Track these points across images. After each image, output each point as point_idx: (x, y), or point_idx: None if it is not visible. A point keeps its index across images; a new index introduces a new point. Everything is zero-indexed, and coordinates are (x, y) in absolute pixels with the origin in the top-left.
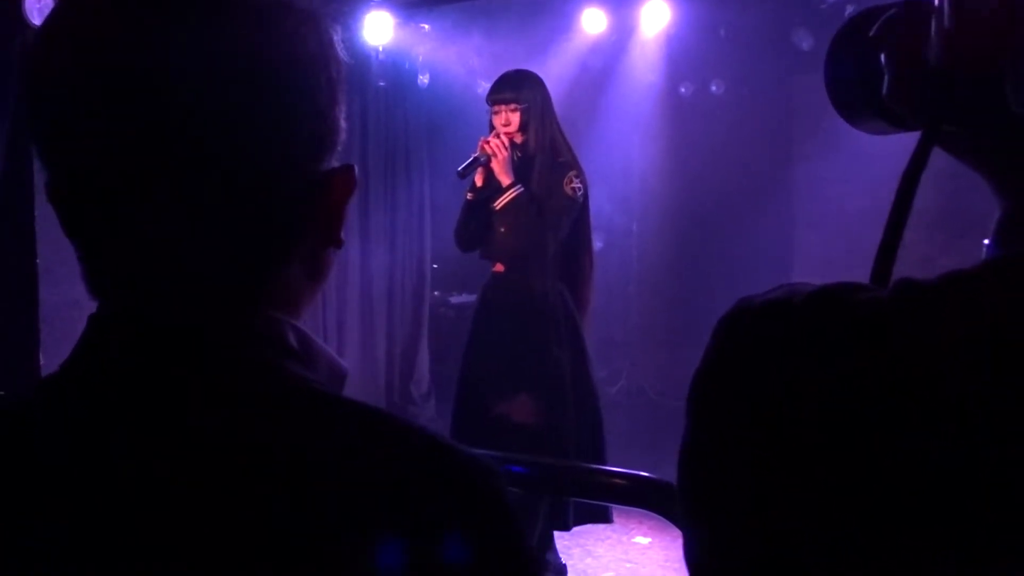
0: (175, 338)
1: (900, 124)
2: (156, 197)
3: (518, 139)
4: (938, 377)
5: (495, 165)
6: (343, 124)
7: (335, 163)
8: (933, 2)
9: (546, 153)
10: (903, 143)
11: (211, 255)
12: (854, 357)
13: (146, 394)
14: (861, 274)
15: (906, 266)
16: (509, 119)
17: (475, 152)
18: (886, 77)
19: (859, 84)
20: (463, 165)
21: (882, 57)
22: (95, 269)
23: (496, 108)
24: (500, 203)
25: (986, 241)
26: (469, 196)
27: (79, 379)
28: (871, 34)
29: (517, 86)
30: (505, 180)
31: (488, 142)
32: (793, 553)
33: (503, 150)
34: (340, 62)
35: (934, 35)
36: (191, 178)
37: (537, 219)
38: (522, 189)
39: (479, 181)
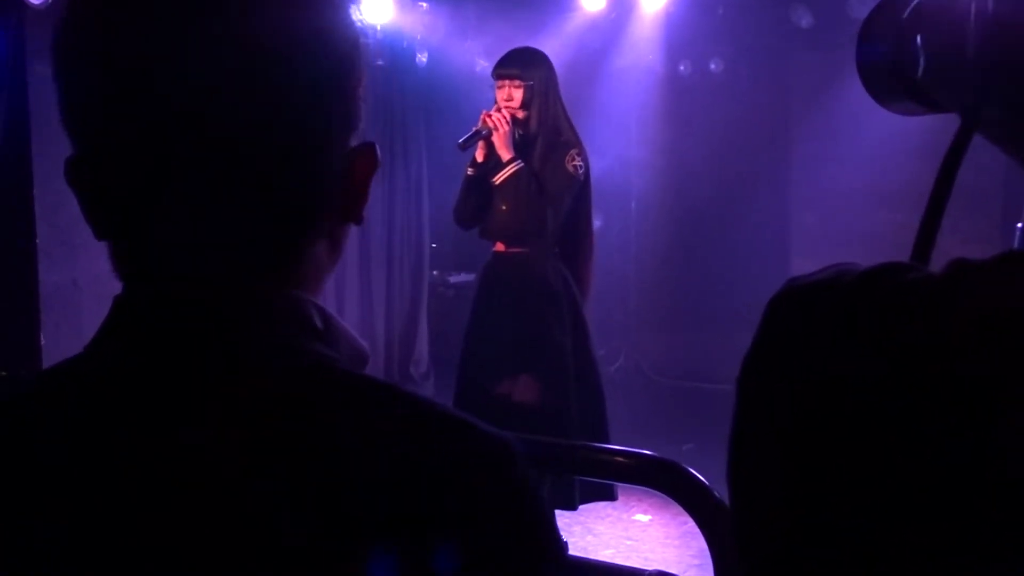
0: (200, 320)
1: (933, 106)
2: (180, 178)
3: (520, 115)
4: (968, 362)
5: (496, 139)
6: (362, 103)
7: (355, 141)
8: None
9: (548, 132)
10: (903, 124)
11: (235, 236)
12: (911, 334)
13: (170, 381)
14: (859, 252)
15: (905, 244)
16: (512, 94)
17: (477, 125)
18: (921, 60)
19: (892, 66)
20: (464, 137)
21: (917, 40)
22: (121, 250)
23: (500, 83)
24: (499, 178)
25: (1020, 224)
26: (469, 171)
27: (101, 366)
28: (904, 16)
29: (523, 63)
30: (505, 155)
31: (490, 115)
32: (819, 547)
33: (505, 124)
34: (360, 41)
35: (974, 20)
36: (214, 159)
37: (537, 196)
38: (522, 164)
39: (480, 156)
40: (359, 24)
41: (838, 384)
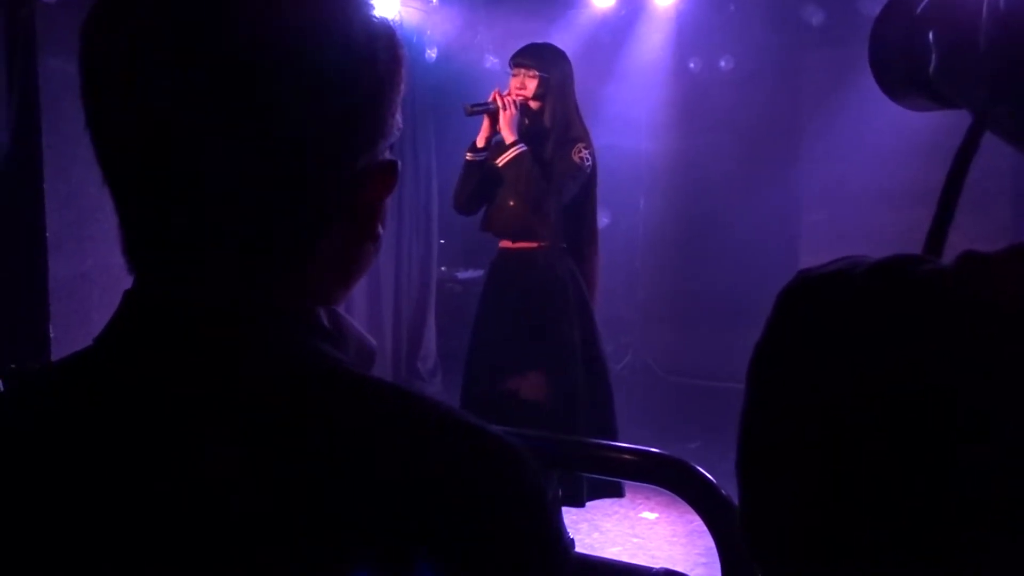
0: (207, 317)
1: (945, 102)
2: (192, 172)
3: (533, 105)
4: (997, 350)
5: (502, 119)
6: (394, 120)
7: (382, 156)
8: None
9: (560, 129)
10: (913, 122)
11: (245, 237)
12: (921, 329)
13: (176, 376)
14: (867, 250)
15: (914, 242)
16: (525, 83)
17: (488, 99)
18: (934, 56)
19: (904, 61)
20: (474, 103)
21: (930, 36)
22: (132, 240)
23: (515, 71)
24: (502, 160)
25: None
26: (468, 156)
27: (109, 362)
28: (917, 12)
29: (540, 55)
30: (508, 137)
31: (501, 94)
32: (831, 548)
33: (513, 107)
34: (395, 58)
35: (986, 17)
36: (226, 158)
37: (541, 183)
38: (524, 148)
39: (480, 142)
40: (390, 40)
41: (848, 380)
